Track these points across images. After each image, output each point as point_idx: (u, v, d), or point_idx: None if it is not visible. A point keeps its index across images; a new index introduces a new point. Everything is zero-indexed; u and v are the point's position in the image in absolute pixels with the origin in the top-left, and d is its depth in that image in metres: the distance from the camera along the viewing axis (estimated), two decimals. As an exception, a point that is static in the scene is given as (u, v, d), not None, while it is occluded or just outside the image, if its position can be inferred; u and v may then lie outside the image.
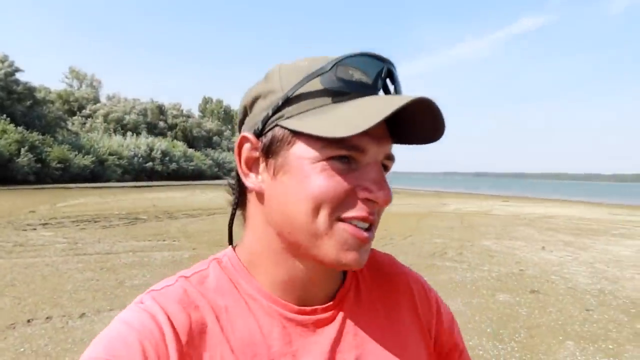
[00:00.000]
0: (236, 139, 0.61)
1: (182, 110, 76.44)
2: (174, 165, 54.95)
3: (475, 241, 10.43)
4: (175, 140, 62.60)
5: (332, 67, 0.53)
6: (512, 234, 11.99)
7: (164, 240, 9.30)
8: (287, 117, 0.55)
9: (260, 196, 0.60)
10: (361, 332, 0.63)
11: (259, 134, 0.58)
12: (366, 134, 0.50)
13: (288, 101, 0.55)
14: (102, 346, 0.51)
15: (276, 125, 0.56)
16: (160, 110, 67.84)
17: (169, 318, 0.54)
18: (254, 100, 0.60)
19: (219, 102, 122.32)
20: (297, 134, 0.54)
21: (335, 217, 0.53)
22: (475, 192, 43.01)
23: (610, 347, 4.32)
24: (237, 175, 0.64)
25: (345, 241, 0.54)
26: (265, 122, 0.57)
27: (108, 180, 40.44)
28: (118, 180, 42.23)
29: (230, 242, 0.69)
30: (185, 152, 60.88)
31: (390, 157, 0.58)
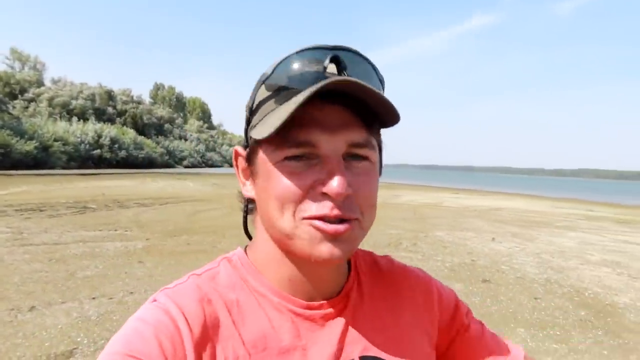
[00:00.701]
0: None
1: (132, 97, 73.93)
2: (123, 153, 53.32)
3: (428, 232, 10.69)
4: (125, 127, 60.63)
5: (274, 69, 0.55)
6: (463, 226, 12.37)
7: (115, 230, 8.99)
8: (253, 127, 0.59)
9: (255, 202, 0.64)
10: (366, 325, 0.65)
11: (245, 145, 0.63)
12: (315, 126, 0.52)
13: (252, 111, 0.59)
14: (120, 342, 0.52)
15: (250, 135, 0.59)
16: (110, 95, 65.42)
17: (183, 313, 0.55)
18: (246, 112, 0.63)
19: (171, 88, 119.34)
20: (258, 141, 0.57)
21: (300, 217, 0.54)
22: (426, 184, 44.06)
23: (558, 333, 4.53)
24: None
25: (313, 237, 0.54)
26: (245, 134, 0.62)
27: (52, 168, 38.82)
28: (63, 168, 40.54)
29: (250, 239, 0.72)
30: (135, 139, 59.19)
31: (360, 144, 0.55)
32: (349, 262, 0.71)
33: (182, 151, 79.96)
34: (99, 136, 50.17)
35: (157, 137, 73.48)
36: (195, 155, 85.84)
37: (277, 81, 0.55)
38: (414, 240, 9.45)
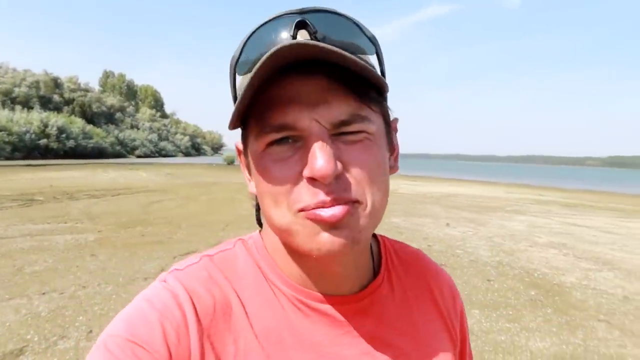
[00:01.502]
0: None
1: (79, 84, 71.01)
2: (71, 143, 51.33)
3: (384, 219, 10.52)
4: (72, 116, 58.23)
5: (241, 51, 0.50)
6: (419, 212, 12.62)
7: (65, 223, 8.63)
8: None
9: None
10: (396, 329, 0.60)
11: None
12: (290, 104, 0.46)
13: (236, 99, 0.53)
14: (124, 324, 0.49)
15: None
16: (56, 83, 62.60)
17: (191, 298, 0.52)
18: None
19: (122, 76, 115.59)
20: (245, 133, 0.52)
21: (295, 209, 0.48)
22: (383, 172, 44.59)
23: (510, 313, 4.71)
24: None
25: (310, 230, 0.47)
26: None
27: (-5, 158, 36.83)
28: (7, 159, 38.63)
29: (260, 225, 0.65)
30: (84, 128, 57.10)
31: (348, 121, 0.47)
32: (379, 255, 0.66)
33: (134, 140, 77.76)
34: (45, 125, 48.01)
35: (108, 126, 71.10)
36: (148, 144, 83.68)
37: (246, 62, 0.49)
38: (371, 227, 9.55)
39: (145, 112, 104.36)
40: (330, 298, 0.57)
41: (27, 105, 52.44)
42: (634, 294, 5.54)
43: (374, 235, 0.68)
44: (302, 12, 0.48)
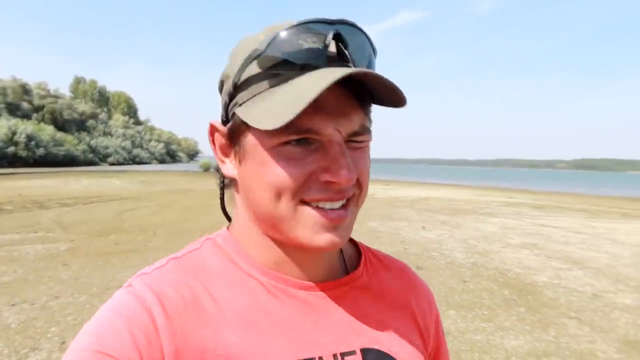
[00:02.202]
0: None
1: (49, 90, 69.40)
2: (41, 151, 50.09)
3: (362, 223, 10.90)
4: (42, 123, 56.80)
5: (268, 45, 0.49)
6: (395, 216, 12.75)
7: (35, 232, 8.42)
8: (239, 104, 0.53)
9: (235, 182, 0.59)
10: (371, 316, 0.61)
11: (224, 120, 0.57)
12: (317, 112, 0.48)
13: (238, 87, 0.53)
14: (90, 336, 0.49)
15: (234, 112, 0.54)
16: (24, 89, 61.00)
17: (159, 300, 0.51)
18: (221, 84, 0.58)
19: (93, 82, 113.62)
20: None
21: (298, 199, 0.51)
22: (359, 177, 44.84)
23: (485, 312, 4.80)
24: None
25: (313, 224, 0.51)
26: (226, 109, 0.56)
27: (-41, 168, 35.66)
28: (-27, 168, 37.37)
29: (228, 219, 0.67)
30: (54, 136, 55.77)
31: (359, 132, 0.52)
32: (357, 249, 0.69)
33: (106, 148, 76.37)
34: (13, 133, 46.73)
35: (80, 134, 69.65)
36: (121, 152, 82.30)
37: (272, 58, 0.50)
38: (348, 231, 9.59)
39: (118, 119, 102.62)
40: (305, 284, 0.58)
41: (-7, 112, 50.99)
42: (602, 291, 5.71)
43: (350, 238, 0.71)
44: (334, 22, 0.50)
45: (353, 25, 0.52)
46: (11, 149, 45.39)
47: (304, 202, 0.51)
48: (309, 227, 0.51)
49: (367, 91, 0.52)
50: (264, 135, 0.51)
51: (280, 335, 0.54)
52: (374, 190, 23.24)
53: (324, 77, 0.45)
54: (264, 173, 0.51)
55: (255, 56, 0.50)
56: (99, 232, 8.63)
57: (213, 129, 0.58)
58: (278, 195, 0.51)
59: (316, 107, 0.47)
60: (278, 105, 0.47)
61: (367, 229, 10.06)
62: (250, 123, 0.50)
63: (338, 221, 0.52)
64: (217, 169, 0.65)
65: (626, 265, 7.27)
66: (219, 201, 0.66)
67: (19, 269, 5.83)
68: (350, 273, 0.64)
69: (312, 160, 0.50)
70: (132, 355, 0.47)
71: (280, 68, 0.49)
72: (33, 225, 9.16)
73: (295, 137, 0.49)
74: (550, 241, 9.30)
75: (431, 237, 9.38)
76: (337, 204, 0.52)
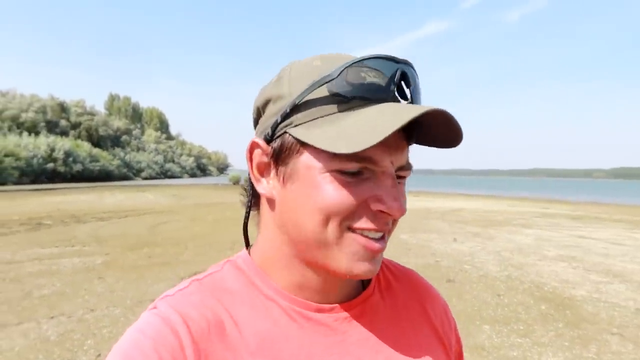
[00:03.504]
0: (248, 142, 0.59)
1: (85, 108, 71.77)
2: (78, 166, 51.73)
3: (392, 235, 10.74)
4: (79, 140, 58.78)
5: (340, 73, 0.51)
6: (426, 227, 12.57)
7: (72, 246, 8.66)
8: (296, 125, 0.53)
9: (271, 201, 0.59)
10: (387, 334, 0.62)
11: (269, 139, 0.56)
12: (379, 145, 0.48)
13: (296, 108, 0.53)
14: (120, 357, 0.50)
15: (285, 132, 0.54)
16: (62, 107, 63.30)
17: (184, 321, 0.53)
18: (266, 103, 0.58)
19: (127, 99, 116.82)
20: (305, 143, 0.52)
21: (345, 226, 0.52)
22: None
23: (521, 327, 4.66)
24: (250, 177, 0.62)
25: (356, 252, 0.52)
26: (274, 128, 0.55)
27: (4, 184, 37.24)
28: (15, 183, 38.91)
29: (247, 243, 0.67)
30: (90, 152, 57.60)
31: (405, 167, 0.55)
32: None
33: (140, 163, 78.32)
34: (52, 150, 48.45)
35: (114, 149, 71.73)
36: (154, 166, 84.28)
37: (341, 86, 0.51)
38: (378, 243, 9.50)
39: (151, 134, 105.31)
40: (323, 307, 0.59)
41: (34, 130, 53.03)
42: (646, 306, 5.47)
43: None
44: (399, 61, 0.53)
45: (412, 66, 0.55)
46: (50, 165, 47.01)
47: (351, 229, 0.52)
48: (351, 254, 0.52)
49: (414, 128, 0.54)
50: (322, 158, 0.51)
51: (297, 359, 0.55)
52: (404, 201, 23.01)
53: (398, 113, 0.47)
54: (316, 196, 0.51)
55: (327, 81, 0.51)
56: (133, 246, 8.81)
57: (254, 146, 0.58)
58: (327, 219, 0.51)
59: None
60: (351, 130, 0.48)
61: (398, 240, 9.95)
62: (318, 144, 0.50)
63: (378, 251, 0.53)
64: (245, 187, 0.66)
65: (671, 278, 6.94)
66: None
67: (57, 282, 6.00)
68: (364, 291, 0.64)
69: (365, 189, 0.51)
70: None
71: (352, 94, 0.51)
72: (70, 239, 9.42)
73: (355, 165, 0.51)
74: (589, 253, 8.98)
75: (463, 249, 9.20)
76: (379, 235, 0.53)
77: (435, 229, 12.38)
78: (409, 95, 0.53)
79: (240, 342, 0.54)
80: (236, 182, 43.37)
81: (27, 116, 55.07)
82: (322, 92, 0.51)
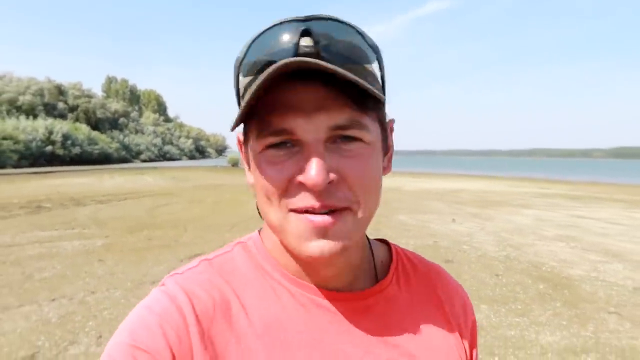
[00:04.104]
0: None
1: (83, 91, 71.32)
2: (77, 149, 51.62)
3: (390, 216, 10.83)
4: (77, 123, 58.55)
5: (245, 54, 0.51)
6: (424, 209, 12.60)
7: (72, 229, 8.68)
8: None
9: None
10: (396, 329, 0.60)
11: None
12: (290, 111, 0.47)
13: (241, 98, 0.54)
14: (126, 332, 0.51)
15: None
16: (60, 90, 62.92)
17: (190, 300, 0.53)
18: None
19: (124, 81, 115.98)
20: (246, 130, 0.54)
21: (286, 206, 0.50)
22: (387, 170, 44.64)
23: (519, 307, 4.70)
24: None
25: (301, 232, 0.49)
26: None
27: (3, 167, 37.24)
28: (14, 167, 38.89)
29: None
30: (89, 135, 57.40)
31: (348, 126, 0.48)
32: (390, 254, 0.68)
33: (138, 145, 78.18)
34: (50, 133, 48.30)
35: (112, 132, 71.51)
36: (153, 148, 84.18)
37: (250, 64, 0.50)
38: (376, 224, 9.51)
39: (149, 116, 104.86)
40: (333, 294, 0.57)
41: (32, 113, 52.79)
42: (643, 285, 5.51)
43: (385, 241, 0.71)
44: (307, 19, 0.49)
45: (331, 19, 0.50)
46: (49, 147, 46.92)
47: (292, 211, 0.50)
48: (297, 236, 0.50)
49: (359, 87, 0.47)
50: (253, 139, 0.51)
51: (305, 346, 0.54)
52: (402, 182, 23.07)
53: (257, 82, 0.45)
54: (256, 177, 0.53)
55: (238, 65, 0.52)
56: (133, 228, 8.84)
57: (238, 140, 0.60)
58: (268, 200, 0.51)
59: (289, 106, 0.47)
60: (242, 105, 0.47)
61: (396, 222, 9.98)
62: (232, 126, 0.50)
63: (322, 225, 0.48)
64: None
65: (668, 257, 6.99)
66: (246, 196, 0.66)
67: (57, 264, 6.02)
68: (379, 282, 0.62)
69: (291, 163, 0.49)
70: (163, 350, 0.49)
71: (255, 73, 0.49)
72: (70, 222, 9.44)
73: (275, 139, 0.49)
74: (587, 233, 9.03)
75: (462, 230, 9.24)
76: (323, 211, 0.49)
77: (434, 209, 12.41)
78: (313, 51, 0.47)
79: (246, 325, 0.53)
80: (235, 164, 43.39)
81: (25, 99, 54.79)
82: (242, 77, 0.52)
